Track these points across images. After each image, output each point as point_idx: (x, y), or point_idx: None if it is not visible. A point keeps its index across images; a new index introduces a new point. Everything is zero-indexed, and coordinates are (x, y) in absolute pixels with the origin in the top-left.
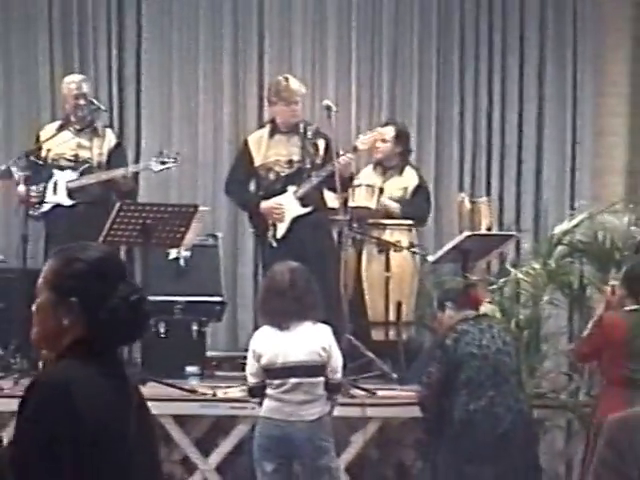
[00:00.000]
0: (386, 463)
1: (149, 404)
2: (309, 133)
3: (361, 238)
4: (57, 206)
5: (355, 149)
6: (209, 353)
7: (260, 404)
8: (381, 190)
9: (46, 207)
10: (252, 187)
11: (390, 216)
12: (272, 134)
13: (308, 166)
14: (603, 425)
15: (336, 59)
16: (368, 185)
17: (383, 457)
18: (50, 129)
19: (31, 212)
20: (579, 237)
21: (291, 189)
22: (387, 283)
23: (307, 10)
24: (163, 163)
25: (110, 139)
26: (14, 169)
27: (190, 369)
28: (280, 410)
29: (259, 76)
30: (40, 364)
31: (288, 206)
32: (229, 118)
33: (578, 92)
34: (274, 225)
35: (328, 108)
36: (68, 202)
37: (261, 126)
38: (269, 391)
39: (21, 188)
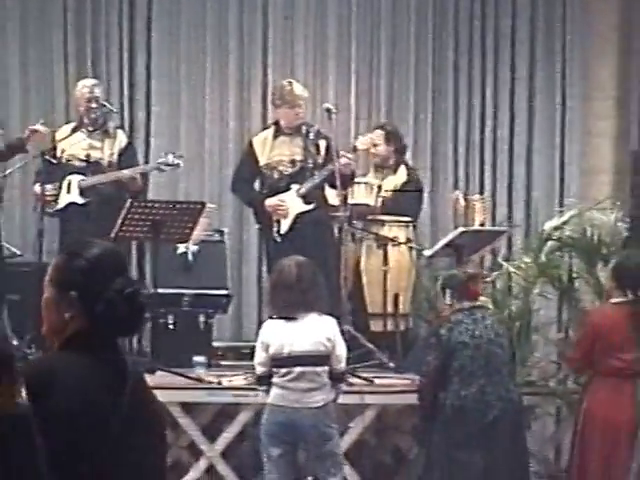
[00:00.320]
0: (383, 449)
1: (158, 392)
2: (311, 134)
3: (360, 234)
4: (71, 204)
5: (354, 149)
6: (215, 343)
7: (267, 392)
8: (379, 187)
9: (61, 205)
10: (257, 185)
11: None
12: (276, 135)
13: (310, 165)
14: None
15: (336, 65)
16: (367, 183)
17: (380, 443)
18: (65, 130)
19: (47, 209)
20: (568, 233)
21: (294, 187)
22: (385, 276)
23: (309, 18)
24: (167, 165)
25: (121, 140)
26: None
27: (197, 359)
28: (286, 397)
29: (263, 80)
30: None
31: (291, 203)
32: (234, 120)
33: (567, 96)
34: (278, 221)
35: (328, 111)
36: (81, 200)
37: (265, 128)
38: (276, 379)
39: (37, 187)
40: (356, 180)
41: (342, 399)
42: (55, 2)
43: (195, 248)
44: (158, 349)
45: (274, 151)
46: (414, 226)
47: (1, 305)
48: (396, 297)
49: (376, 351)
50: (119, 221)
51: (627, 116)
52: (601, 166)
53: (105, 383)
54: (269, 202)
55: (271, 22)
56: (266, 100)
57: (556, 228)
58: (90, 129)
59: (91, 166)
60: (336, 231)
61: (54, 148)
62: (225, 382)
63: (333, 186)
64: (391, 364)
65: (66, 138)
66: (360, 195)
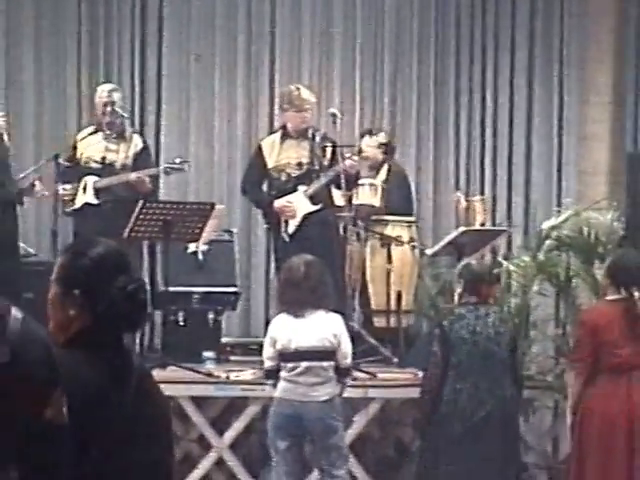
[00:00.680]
0: (387, 441)
1: (169, 386)
2: (317, 138)
3: (365, 233)
4: (86, 204)
5: (360, 151)
6: (224, 339)
7: (274, 386)
8: (383, 189)
9: (77, 205)
10: (265, 187)
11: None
12: (283, 139)
13: (316, 168)
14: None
15: (341, 71)
16: (371, 184)
17: (384, 436)
18: (85, 133)
19: (65, 209)
20: (566, 232)
21: (301, 188)
22: (388, 275)
23: (315, 25)
24: (173, 169)
25: (136, 143)
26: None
27: (206, 354)
28: (293, 391)
29: (270, 85)
30: None
31: (299, 204)
32: (242, 124)
33: (564, 100)
34: (286, 221)
35: (333, 115)
36: (95, 201)
37: (272, 132)
38: (283, 374)
39: (56, 187)
40: (360, 181)
41: (347, 393)
42: (68, 3)
43: (205, 247)
44: (169, 345)
45: (282, 154)
46: (417, 226)
47: (17, 304)
48: (399, 294)
49: (380, 346)
50: (131, 221)
51: (622, 119)
52: (597, 168)
53: (109, 379)
54: (277, 203)
55: (278, 30)
56: (273, 104)
57: (554, 228)
58: (107, 132)
59: (106, 168)
60: (341, 231)
61: (74, 147)
62: (233, 377)
63: (338, 187)
64: (394, 359)
65: (84, 140)
66: (365, 196)
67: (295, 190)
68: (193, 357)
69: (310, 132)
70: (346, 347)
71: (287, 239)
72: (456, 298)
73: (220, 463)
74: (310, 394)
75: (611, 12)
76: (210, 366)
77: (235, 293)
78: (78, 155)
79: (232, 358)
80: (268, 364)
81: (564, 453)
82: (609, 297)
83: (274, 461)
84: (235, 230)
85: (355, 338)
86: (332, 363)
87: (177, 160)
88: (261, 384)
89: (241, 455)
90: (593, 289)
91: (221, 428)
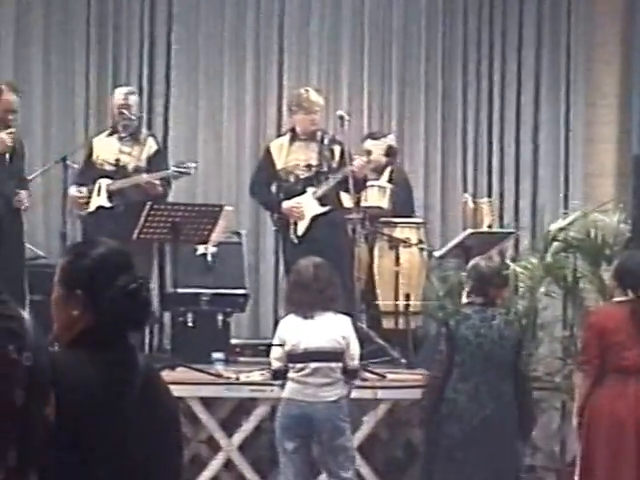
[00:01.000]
0: (395, 442)
1: (179, 387)
2: (326, 140)
3: (373, 235)
4: (100, 207)
5: (369, 153)
6: (233, 340)
7: (282, 387)
8: (392, 191)
9: (92, 208)
10: (274, 189)
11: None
12: (292, 141)
13: (325, 170)
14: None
15: (349, 73)
16: (380, 186)
17: (393, 437)
18: (102, 135)
19: (81, 212)
20: (573, 234)
21: (310, 190)
22: (397, 276)
23: (323, 29)
24: (180, 173)
25: (150, 146)
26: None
27: (216, 355)
28: (301, 392)
29: (279, 88)
30: None
31: (307, 206)
32: (251, 126)
33: (571, 102)
34: (295, 223)
35: (341, 118)
36: (108, 204)
37: (280, 134)
38: (291, 374)
39: (72, 189)
40: (369, 183)
41: (356, 394)
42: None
43: (214, 249)
44: (178, 346)
45: (290, 156)
46: (425, 228)
47: (22, 306)
48: (407, 296)
49: (388, 348)
50: (140, 223)
51: (628, 122)
52: (604, 169)
53: (114, 379)
54: (286, 205)
55: (286, 33)
56: (281, 105)
57: (561, 230)
58: (122, 135)
59: (119, 171)
60: (350, 232)
61: (90, 152)
62: (242, 377)
63: (347, 190)
64: (403, 360)
65: (101, 142)
66: (373, 198)
67: (304, 192)
68: (202, 358)
69: (319, 134)
70: (354, 348)
71: (296, 241)
72: (464, 297)
73: (229, 464)
74: (318, 395)
75: (618, 14)
76: (219, 367)
77: (244, 295)
78: (94, 157)
79: (241, 359)
80: (276, 365)
81: (572, 455)
82: (616, 299)
83: (282, 462)
84: (244, 232)
85: (364, 339)
86: (340, 364)
87: (183, 164)
88: (270, 385)
89: (250, 456)
90: (600, 291)
91: (230, 429)
